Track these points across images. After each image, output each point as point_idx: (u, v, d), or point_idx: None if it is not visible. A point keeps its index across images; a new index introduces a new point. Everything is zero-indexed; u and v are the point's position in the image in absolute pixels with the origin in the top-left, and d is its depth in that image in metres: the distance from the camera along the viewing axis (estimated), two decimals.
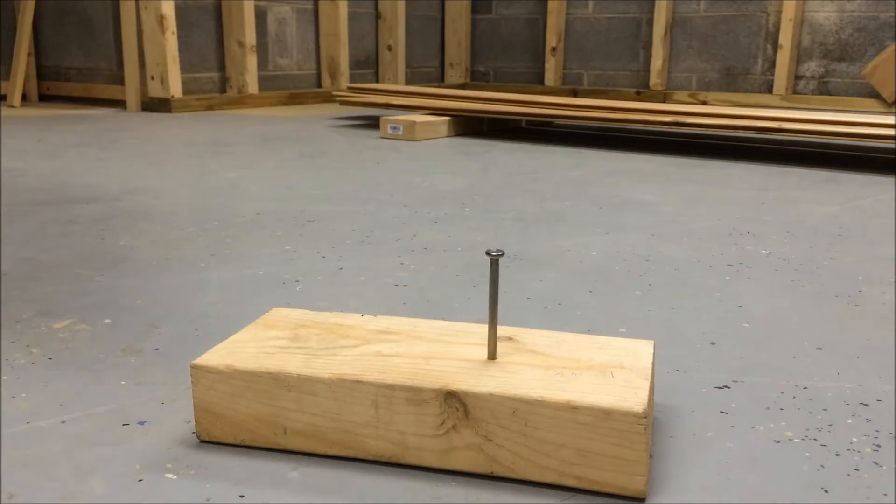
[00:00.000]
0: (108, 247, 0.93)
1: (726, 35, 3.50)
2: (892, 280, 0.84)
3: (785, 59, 3.31)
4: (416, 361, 0.45)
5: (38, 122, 2.30)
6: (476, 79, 4.20)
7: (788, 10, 3.27)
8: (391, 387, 0.43)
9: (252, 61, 2.95)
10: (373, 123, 2.36)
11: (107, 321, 0.68)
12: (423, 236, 1.01)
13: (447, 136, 2.10)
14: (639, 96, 3.62)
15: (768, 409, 0.53)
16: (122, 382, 0.55)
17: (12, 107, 2.77)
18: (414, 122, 2.00)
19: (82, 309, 0.71)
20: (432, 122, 2.06)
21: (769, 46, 3.40)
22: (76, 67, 2.94)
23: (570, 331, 0.51)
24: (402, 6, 3.61)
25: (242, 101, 2.93)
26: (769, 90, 3.42)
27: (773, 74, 3.40)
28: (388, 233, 1.03)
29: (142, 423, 0.49)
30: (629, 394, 0.41)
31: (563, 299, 0.76)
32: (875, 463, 0.46)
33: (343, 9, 3.31)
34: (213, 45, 2.95)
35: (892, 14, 3.15)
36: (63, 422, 0.50)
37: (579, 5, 3.82)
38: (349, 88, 2.56)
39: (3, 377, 0.56)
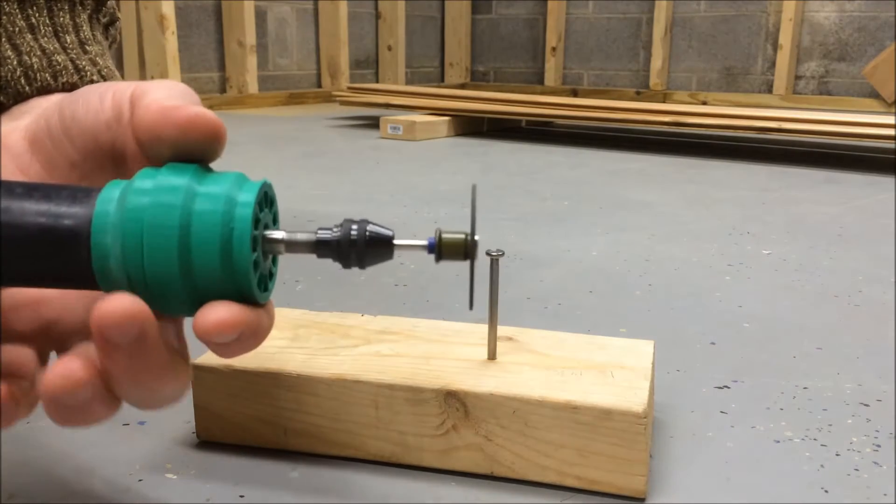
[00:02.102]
0: None
1: (726, 35, 3.50)
2: (892, 280, 0.84)
3: (785, 59, 3.31)
4: (416, 361, 0.45)
5: None
6: (476, 79, 4.20)
7: (788, 10, 3.28)
8: (391, 387, 0.43)
9: (252, 61, 2.95)
10: (373, 123, 2.36)
11: None
12: (422, 236, 1.01)
13: (447, 136, 2.10)
14: (639, 96, 3.62)
15: (768, 409, 0.53)
16: None
17: None
18: (414, 122, 2.00)
19: None
20: (432, 122, 2.06)
21: (769, 46, 3.40)
22: None
23: (570, 331, 0.51)
24: (402, 6, 3.62)
25: (242, 101, 2.93)
26: (769, 90, 3.42)
27: (773, 74, 3.40)
28: None
29: (142, 423, 0.49)
30: (629, 394, 0.41)
31: (563, 299, 0.76)
32: (875, 463, 0.46)
33: (343, 9, 3.31)
34: (213, 45, 2.95)
35: (892, 14, 3.15)
36: None
37: (579, 5, 3.82)
38: (349, 88, 2.56)
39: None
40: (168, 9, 2.57)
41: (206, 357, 0.46)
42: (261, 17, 3.10)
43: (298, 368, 0.44)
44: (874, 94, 3.21)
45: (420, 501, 0.41)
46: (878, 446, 0.48)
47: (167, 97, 0.31)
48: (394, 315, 0.53)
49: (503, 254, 0.43)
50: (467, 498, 0.42)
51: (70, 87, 0.37)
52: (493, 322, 0.45)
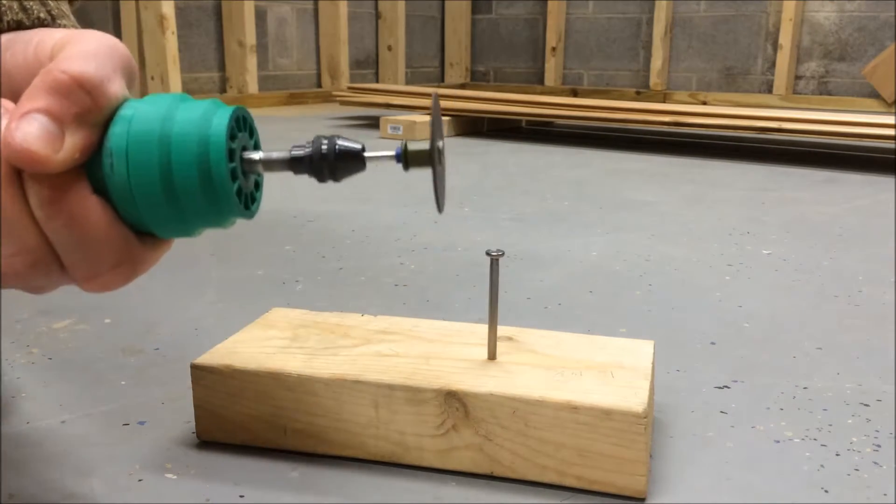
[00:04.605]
0: None
1: (726, 35, 3.50)
2: (892, 280, 0.84)
3: (785, 59, 3.31)
4: (416, 361, 0.45)
5: None
6: (476, 79, 4.20)
7: (788, 10, 3.27)
8: (391, 387, 0.43)
9: (252, 61, 2.95)
10: (373, 123, 2.36)
11: (107, 321, 0.68)
12: (423, 236, 1.01)
13: (447, 136, 2.10)
14: (639, 96, 3.62)
15: (768, 409, 0.53)
16: (122, 382, 0.55)
17: None
18: (414, 122, 2.00)
19: (82, 309, 0.71)
20: None
21: (769, 46, 3.40)
22: None
23: (570, 331, 0.51)
24: (402, 6, 3.61)
25: (242, 101, 2.93)
26: (769, 90, 3.42)
27: (773, 74, 3.40)
28: (388, 233, 1.03)
29: (142, 423, 0.49)
30: (629, 394, 0.41)
31: (563, 299, 0.76)
32: (875, 463, 0.46)
33: (343, 9, 3.31)
34: (213, 45, 2.95)
35: (892, 14, 3.15)
36: (63, 422, 0.49)
37: (579, 5, 3.82)
38: (349, 88, 2.56)
39: (3, 377, 0.56)
40: (168, 9, 2.57)
41: (206, 357, 0.46)
42: (261, 17, 3.10)
43: (298, 368, 0.44)
44: (874, 94, 3.21)
45: (420, 501, 0.41)
46: (878, 446, 0.48)
47: (77, 57, 0.31)
48: (394, 315, 0.53)
49: (503, 254, 0.43)
50: (467, 498, 0.42)
51: (16, 26, 0.37)
52: (493, 322, 0.45)
